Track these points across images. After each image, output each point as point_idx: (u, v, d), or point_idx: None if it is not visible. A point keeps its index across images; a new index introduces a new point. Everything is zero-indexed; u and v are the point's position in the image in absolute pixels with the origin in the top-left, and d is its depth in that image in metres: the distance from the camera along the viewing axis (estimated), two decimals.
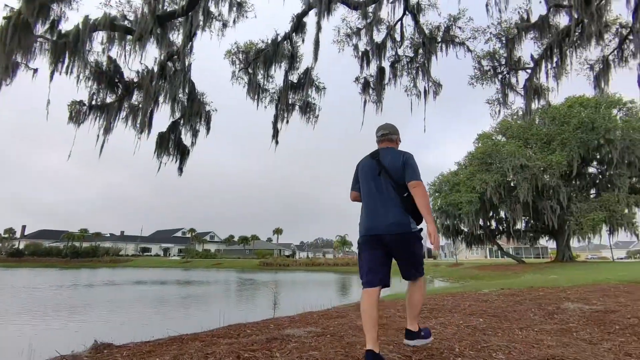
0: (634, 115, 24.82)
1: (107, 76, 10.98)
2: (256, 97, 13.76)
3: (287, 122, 14.06)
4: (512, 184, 26.48)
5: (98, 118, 10.99)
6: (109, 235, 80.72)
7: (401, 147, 2.86)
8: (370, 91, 15.65)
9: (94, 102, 11.02)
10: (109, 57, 10.80)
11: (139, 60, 10.64)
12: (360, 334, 3.16)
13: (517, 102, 18.37)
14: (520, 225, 29.88)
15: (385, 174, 2.53)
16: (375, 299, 2.35)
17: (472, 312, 4.34)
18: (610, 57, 13.71)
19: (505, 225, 32.41)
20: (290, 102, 14.26)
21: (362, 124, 15.89)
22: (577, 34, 12.45)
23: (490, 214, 32.45)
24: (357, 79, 15.33)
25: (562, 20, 12.87)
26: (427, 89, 16.49)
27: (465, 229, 31.27)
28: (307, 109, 14.48)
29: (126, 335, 4.43)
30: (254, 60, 13.39)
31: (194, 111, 12.38)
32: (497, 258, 56.04)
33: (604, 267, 19.73)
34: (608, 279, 8.67)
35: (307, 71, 13.27)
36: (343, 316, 4.47)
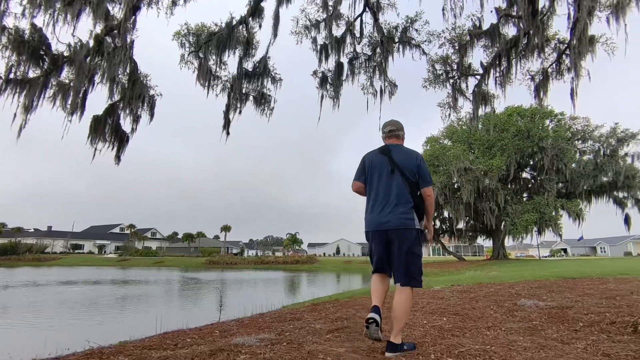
0: (562, 127, 27.39)
1: (30, 46, 9.51)
2: (207, 83, 12.87)
3: (240, 112, 13.37)
4: (456, 186, 27.91)
5: (17, 94, 9.51)
6: (32, 230, 72.54)
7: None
8: (328, 86, 15.40)
9: (12, 76, 9.49)
10: (33, 25, 9.36)
11: (70, 32, 9.35)
12: (321, 340, 2.78)
13: (465, 107, 19.10)
14: (461, 224, 31.63)
15: (399, 171, 2.59)
16: (384, 278, 2.61)
17: (432, 311, 4.17)
18: (549, 70, 14.84)
19: (448, 224, 34.16)
20: (244, 91, 13.55)
21: (318, 119, 15.56)
22: (523, 44, 13.26)
23: (435, 214, 34.02)
24: (314, 72, 14.93)
25: (510, 30, 13.62)
26: (382, 88, 16.61)
27: None
28: (262, 100, 13.86)
29: (34, 348, 3.64)
30: (206, 44, 12.48)
31: (136, 94, 11.20)
32: (438, 255, 59.23)
33: (534, 264, 21.45)
34: (545, 275, 9.20)
35: (263, 59, 12.67)
36: (298, 318, 4.07)
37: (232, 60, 12.57)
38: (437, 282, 9.08)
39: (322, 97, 15.56)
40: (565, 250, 65.16)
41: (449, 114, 17.23)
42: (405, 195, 2.54)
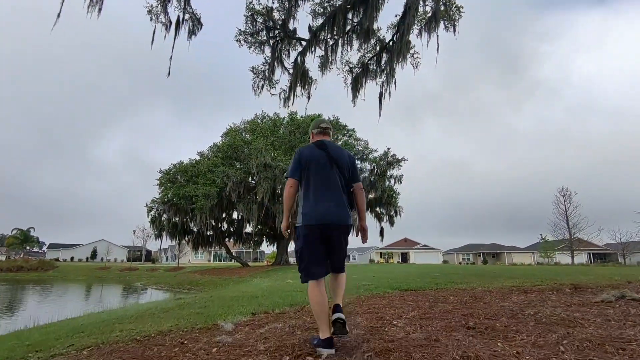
0: (351, 143, 29.73)
1: None
2: None
3: None
4: (252, 184, 25.35)
5: None
6: None
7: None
8: None
9: None
10: None
11: None
12: None
13: (282, 81, 16.51)
14: (250, 228, 29.27)
15: (337, 167, 2.61)
16: (324, 288, 2.43)
17: None
18: (369, 66, 14.21)
19: (235, 227, 31.23)
20: None
21: (57, 16, 9.26)
22: (359, 12, 11.77)
23: (224, 215, 30.48)
24: None
25: None
26: (181, 19, 11.90)
27: (195, 229, 27.60)
28: None
29: None
30: None
31: None
32: (220, 261, 55.79)
33: None
34: (360, 282, 6.84)
35: None
36: None
37: None
38: (223, 306, 5.07)
39: None
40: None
41: (262, 85, 14.22)
42: (343, 190, 2.60)
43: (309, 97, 14.69)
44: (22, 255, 52.09)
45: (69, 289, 22.10)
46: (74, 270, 37.98)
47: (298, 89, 13.76)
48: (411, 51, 13.88)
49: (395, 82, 13.89)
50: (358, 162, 31.76)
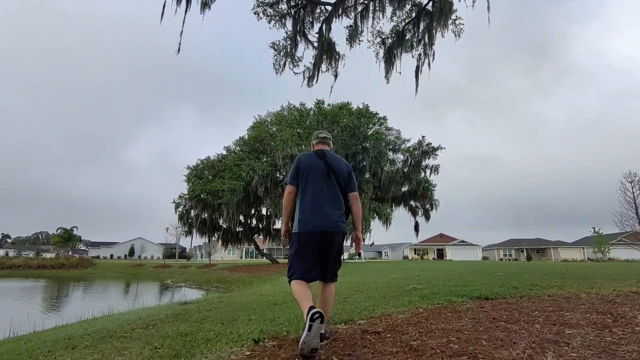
0: (382, 132, 27.87)
1: None
2: None
3: None
4: (279, 177, 24.27)
5: None
6: None
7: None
8: None
9: None
10: None
11: None
12: None
13: (306, 58, 15.07)
14: (279, 224, 28.29)
15: (334, 176, 2.61)
16: (308, 285, 2.39)
17: None
18: (407, 36, 12.58)
19: (265, 223, 30.38)
20: None
21: None
22: None
23: (252, 211, 29.71)
24: None
25: None
26: None
27: (224, 225, 26.96)
28: None
29: None
30: None
31: None
32: (252, 258, 55.69)
33: (350, 266, 19.42)
34: (405, 286, 5.34)
35: None
36: None
37: None
38: (225, 320, 3.80)
39: None
40: (359, 253, 72.76)
41: (284, 63, 12.95)
42: (341, 199, 2.59)
43: (335, 76, 13.18)
44: (69, 253, 54.54)
45: (100, 286, 22.08)
46: (110, 268, 38.86)
47: (323, 65, 12.35)
48: (452, 16, 12.11)
49: (434, 53, 12.21)
50: (390, 153, 29.81)
